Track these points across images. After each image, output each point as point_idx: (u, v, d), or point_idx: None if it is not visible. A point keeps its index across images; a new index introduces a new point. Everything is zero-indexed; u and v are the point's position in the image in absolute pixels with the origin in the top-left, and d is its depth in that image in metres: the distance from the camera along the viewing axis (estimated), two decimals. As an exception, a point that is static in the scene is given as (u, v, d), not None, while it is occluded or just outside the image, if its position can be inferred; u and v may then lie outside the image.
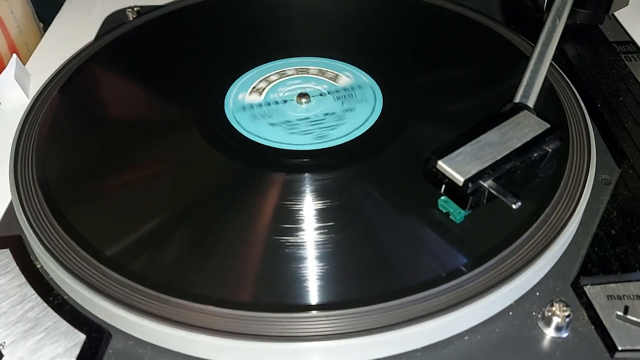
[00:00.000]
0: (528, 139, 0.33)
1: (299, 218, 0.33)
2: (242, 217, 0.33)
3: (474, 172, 0.31)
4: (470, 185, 0.31)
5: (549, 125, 0.34)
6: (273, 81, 0.43)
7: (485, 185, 0.31)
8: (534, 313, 0.30)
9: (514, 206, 0.30)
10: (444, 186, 0.32)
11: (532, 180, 0.34)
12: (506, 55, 0.46)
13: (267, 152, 0.37)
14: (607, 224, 0.34)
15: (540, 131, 0.33)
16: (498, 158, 0.32)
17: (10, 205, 0.36)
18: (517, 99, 0.38)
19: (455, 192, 0.31)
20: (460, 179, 0.31)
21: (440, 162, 0.32)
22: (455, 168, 0.31)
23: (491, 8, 0.56)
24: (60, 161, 0.37)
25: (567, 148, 0.36)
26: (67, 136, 0.39)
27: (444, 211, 0.32)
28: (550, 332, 0.29)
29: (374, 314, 0.28)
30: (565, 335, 0.28)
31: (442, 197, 0.32)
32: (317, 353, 0.28)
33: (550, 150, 0.33)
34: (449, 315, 0.28)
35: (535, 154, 0.33)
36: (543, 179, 0.34)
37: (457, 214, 0.32)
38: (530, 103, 0.37)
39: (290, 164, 0.37)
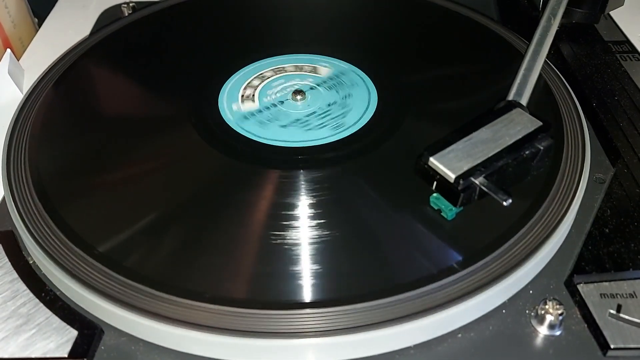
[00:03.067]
0: (520, 137, 0.33)
1: (294, 215, 0.33)
2: (236, 214, 0.33)
3: (465, 169, 0.31)
4: (461, 182, 0.31)
5: (541, 123, 0.34)
6: (257, 86, 0.43)
7: (477, 182, 0.31)
8: (527, 311, 0.30)
9: (505, 203, 0.30)
10: (435, 183, 0.32)
11: (524, 177, 0.34)
12: (502, 53, 0.46)
13: (261, 150, 0.37)
14: (601, 222, 0.34)
15: (533, 129, 0.33)
16: (490, 155, 0.32)
17: (3, 201, 0.35)
18: (511, 97, 0.38)
19: (447, 188, 0.31)
20: (451, 176, 0.31)
21: (432, 159, 0.32)
22: (447, 165, 0.31)
23: (487, 6, 0.56)
24: (53, 157, 0.37)
25: (561, 147, 0.36)
26: (60, 132, 0.39)
27: (436, 208, 0.32)
28: (543, 330, 0.29)
29: (367, 311, 0.28)
30: (558, 333, 0.28)
31: (434, 194, 0.32)
32: (309, 350, 0.28)
33: (542, 147, 0.33)
34: (442, 313, 0.28)
35: (527, 152, 0.33)
36: (535, 177, 0.34)
37: (449, 210, 0.32)
38: (524, 101, 0.37)
39: (285, 161, 0.37)
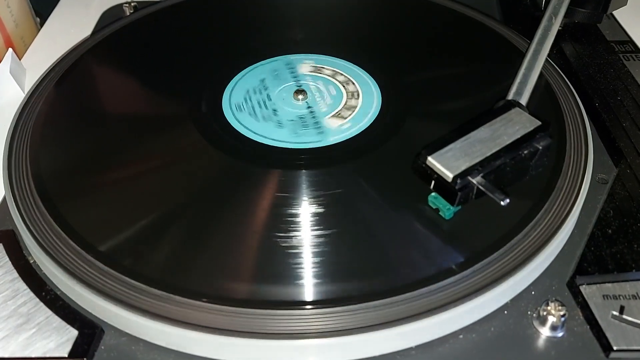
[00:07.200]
0: (518, 136, 0.33)
1: (294, 216, 0.33)
2: (236, 214, 0.33)
3: (463, 168, 0.31)
4: (459, 181, 0.31)
5: (540, 123, 0.33)
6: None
7: (474, 181, 0.31)
8: (529, 312, 0.29)
9: (502, 203, 0.30)
10: (433, 182, 0.32)
11: (523, 177, 0.33)
12: (504, 53, 0.45)
13: (264, 150, 0.37)
14: (604, 223, 0.34)
15: (531, 128, 0.33)
16: (488, 154, 0.32)
17: (4, 200, 0.35)
18: (510, 96, 0.38)
19: (445, 188, 0.31)
20: (449, 175, 0.31)
21: (430, 158, 0.32)
22: (444, 164, 0.31)
23: (489, 6, 0.56)
24: (54, 156, 0.37)
25: (564, 147, 0.36)
26: (61, 131, 0.39)
27: (434, 207, 0.32)
28: (545, 332, 0.28)
29: (368, 311, 0.28)
30: (560, 334, 0.28)
31: (432, 194, 0.32)
32: (311, 350, 0.27)
33: (540, 147, 0.33)
34: (444, 314, 0.28)
35: (525, 151, 0.32)
36: (537, 177, 0.34)
37: (447, 210, 0.32)
38: (523, 100, 0.37)
39: (286, 161, 0.36)
